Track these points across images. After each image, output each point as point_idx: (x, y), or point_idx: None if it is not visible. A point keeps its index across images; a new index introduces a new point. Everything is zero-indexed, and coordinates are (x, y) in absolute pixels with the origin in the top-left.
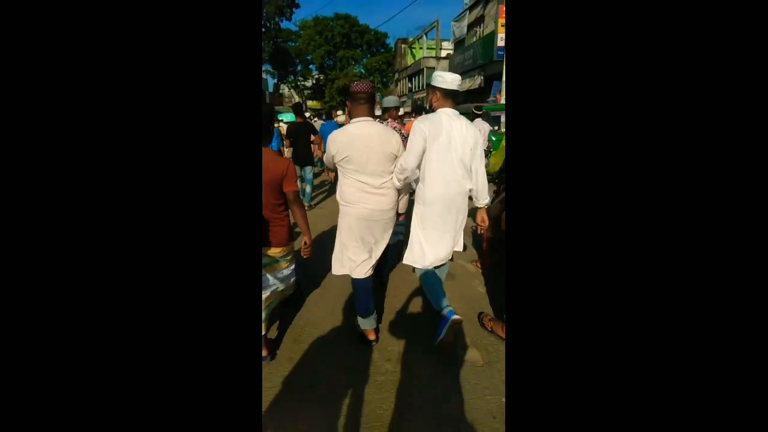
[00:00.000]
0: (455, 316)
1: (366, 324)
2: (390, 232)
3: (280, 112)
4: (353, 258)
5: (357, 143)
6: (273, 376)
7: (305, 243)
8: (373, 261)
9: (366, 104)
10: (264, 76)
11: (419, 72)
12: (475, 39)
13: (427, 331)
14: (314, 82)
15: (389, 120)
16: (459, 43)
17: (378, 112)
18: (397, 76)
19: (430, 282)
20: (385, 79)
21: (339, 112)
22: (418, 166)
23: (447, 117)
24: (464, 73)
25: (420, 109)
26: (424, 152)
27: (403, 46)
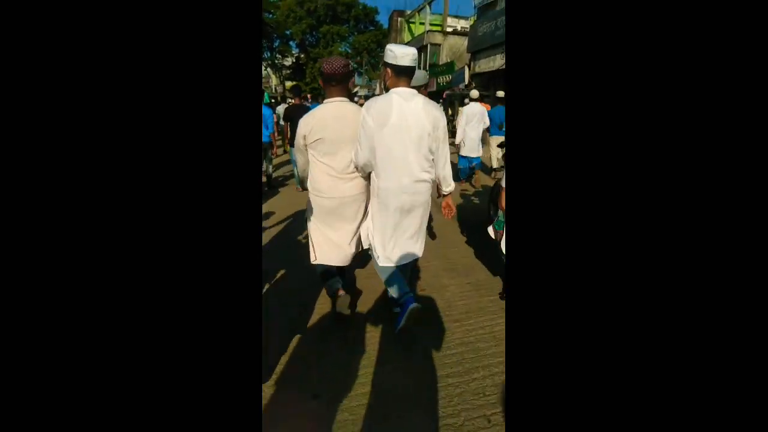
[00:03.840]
0: (414, 305)
1: (334, 284)
2: (361, 215)
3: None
4: (325, 244)
5: (331, 125)
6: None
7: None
8: (348, 247)
9: (339, 84)
10: None
11: (421, 50)
12: None
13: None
14: (294, 60)
15: None
16: (485, 8)
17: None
18: None
19: (385, 271)
20: (374, 60)
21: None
22: (372, 158)
23: (399, 98)
24: (493, 48)
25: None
26: (372, 142)
27: (399, 19)
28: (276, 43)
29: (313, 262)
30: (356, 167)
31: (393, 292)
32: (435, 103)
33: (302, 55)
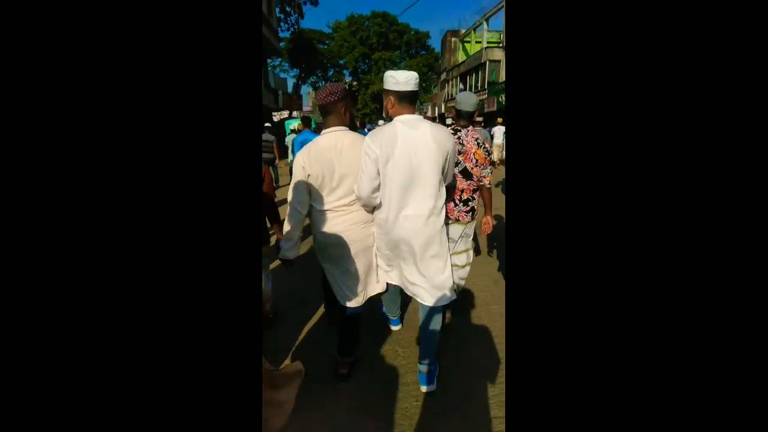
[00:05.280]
0: (395, 327)
1: (340, 358)
2: (369, 246)
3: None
4: (347, 286)
5: (325, 156)
6: None
7: (279, 239)
8: (365, 288)
9: (332, 114)
10: (279, 73)
11: (478, 68)
12: None
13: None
14: (347, 88)
15: (470, 128)
16: None
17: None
18: (444, 76)
19: (387, 294)
20: (425, 83)
21: (380, 122)
22: (377, 190)
23: (403, 126)
24: None
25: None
26: (378, 173)
27: (453, 39)
28: (330, 73)
29: (343, 303)
30: (358, 199)
31: (387, 312)
32: (443, 126)
33: (354, 83)
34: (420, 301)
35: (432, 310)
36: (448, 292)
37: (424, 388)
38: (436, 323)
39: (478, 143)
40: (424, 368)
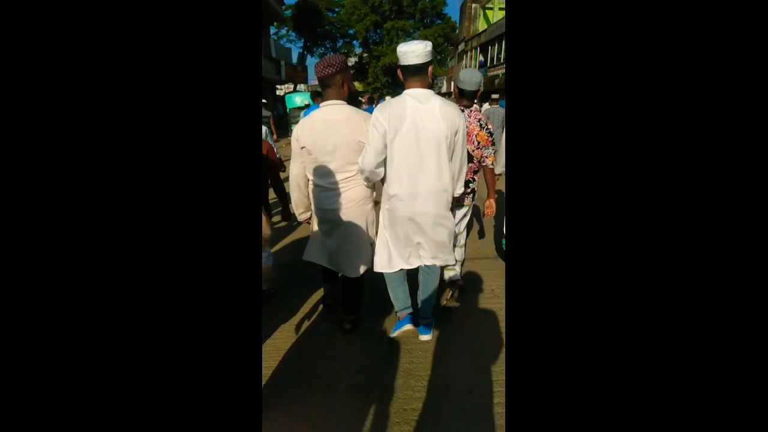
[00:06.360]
0: (409, 327)
1: (344, 316)
2: (367, 223)
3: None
4: (341, 260)
5: (320, 130)
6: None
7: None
8: (362, 260)
9: (329, 87)
10: (284, 42)
11: (501, 38)
12: None
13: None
14: (357, 60)
15: (473, 108)
16: None
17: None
18: (462, 47)
19: (392, 279)
20: (440, 56)
21: (388, 98)
22: (382, 164)
23: (413, 100)
24: None
25: (492, 93)
26: (385, 147)
27: (473, 6)
28: (339, 44)
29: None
30: (361, 173)
31: (394, 301)
32: (453, 104)
33: (365, 54)
34: (421, 263)
35: (431, 271)
36: (447, 254)
37: (425, 337)
38: (434, 283)
39: (480, 124)
40: (425, 323)
